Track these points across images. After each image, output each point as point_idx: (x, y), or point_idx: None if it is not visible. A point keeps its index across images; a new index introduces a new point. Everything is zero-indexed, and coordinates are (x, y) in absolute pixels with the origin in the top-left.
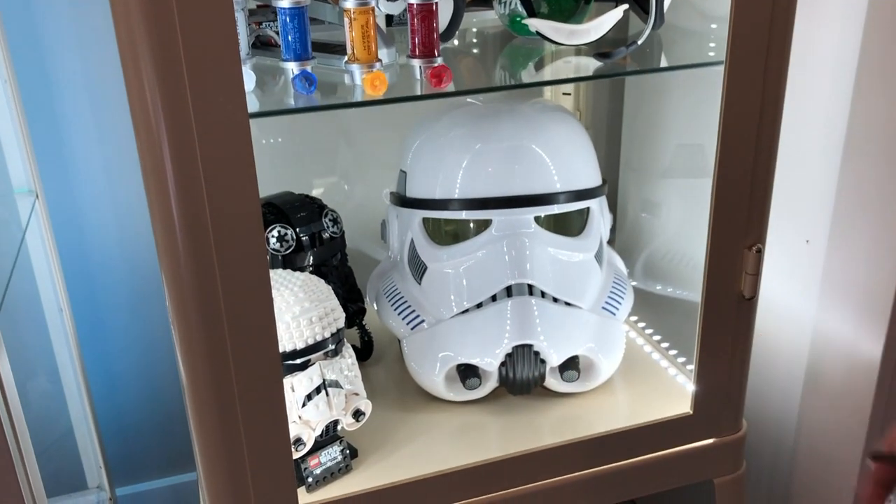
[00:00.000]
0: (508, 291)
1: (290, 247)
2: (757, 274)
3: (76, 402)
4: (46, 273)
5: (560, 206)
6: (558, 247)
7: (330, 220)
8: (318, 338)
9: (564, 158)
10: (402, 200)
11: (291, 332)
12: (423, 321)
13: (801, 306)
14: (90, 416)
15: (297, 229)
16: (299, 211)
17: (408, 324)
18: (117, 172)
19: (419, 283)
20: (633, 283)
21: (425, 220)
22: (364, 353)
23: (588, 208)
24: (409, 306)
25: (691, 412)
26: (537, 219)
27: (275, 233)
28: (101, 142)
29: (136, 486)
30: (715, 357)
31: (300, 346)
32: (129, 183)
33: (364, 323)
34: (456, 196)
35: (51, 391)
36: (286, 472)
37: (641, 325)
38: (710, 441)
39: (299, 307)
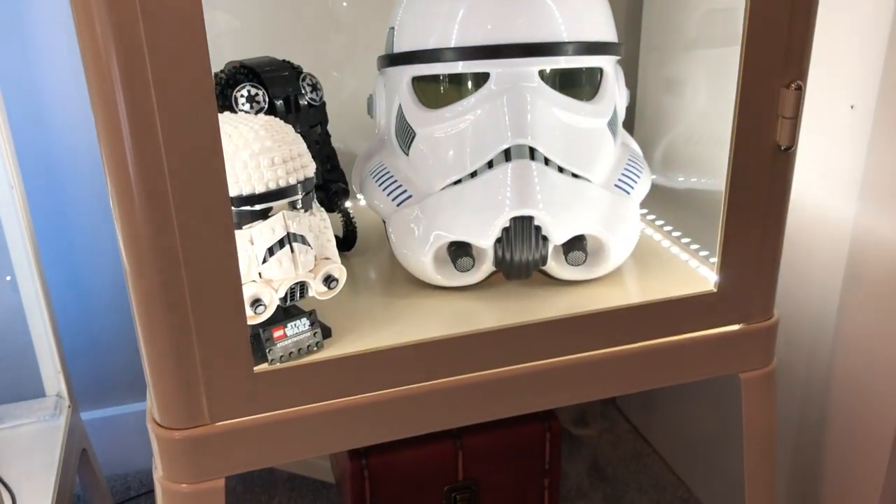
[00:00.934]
0: (507, 155)
1: (261, 108)
2: (796, 118)
3: (33, 304)
4: None
5: (568, 59)
6: (566, 108)
7: (308, 84)
8: (282, 183)
9: (574, 4)
10: (390, 59)
11: (249, 173)
12: (410, 196)
13: (843, 188)
14: (47, 320)
15: (270, 90)
16: (273, 72)
17: (393, 200)
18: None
19: (407, 154)
20: (652, 178)
21: (415, 81)
22: (347, 242)
23: (601, 70)
24: (396, 181)
25: (715, 290)
26: (542, 74)
27: (244, 92)
28: None
29: (105, 411)
30: (744, 226)
31: (259, 189)
32: None
33: (348, 208)
34: (451, 44)
35: (6, 293)
36: (239, 339)
37: (659, 222)
38: (737, 327)
39: (259, 145)
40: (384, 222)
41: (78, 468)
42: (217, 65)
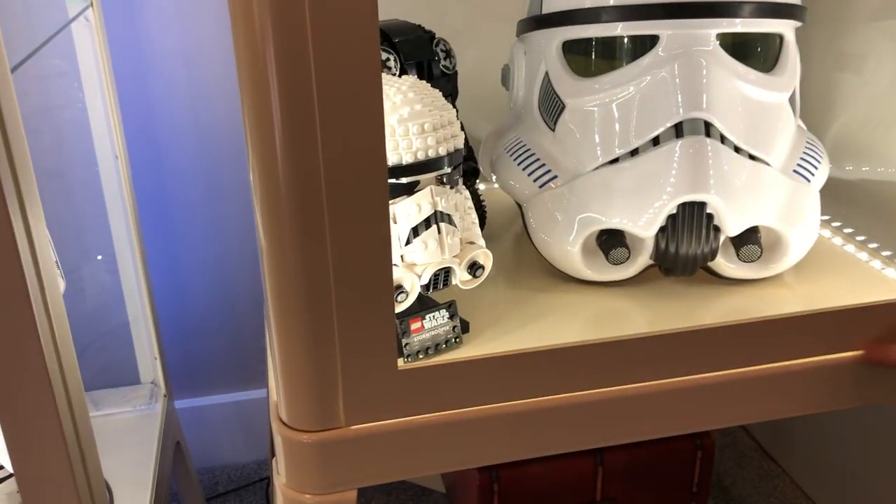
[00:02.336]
0: (677, 131)
1: (393, 75)
2: None
3: (132, 285)
4: (102, 118)
5: (746, 22)
6: (746, 79)
7: (442, 50)
8: (432, 153)
9: None
10: (536, 21)
11: (397, 140)
12: (555, 177)
13: None
14: (147, 303)
15: (402, 55)
16: (406, 36)
17: (535, 181)
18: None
19: (552, 130)
20: None
21: (566, 45)
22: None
23: (781, 37)
24: (538, 159)
25: None
26: (718, 38)
27: None
28: None
29: (193, 400)
30: None
31: (407, 159)
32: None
33: (477, 188)
34: (612, 3)
35: (105, 276)
36: (386, 331)
37: (825, 216)
38: None
39: (408, 108)
40: (519, 205)
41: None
42: None
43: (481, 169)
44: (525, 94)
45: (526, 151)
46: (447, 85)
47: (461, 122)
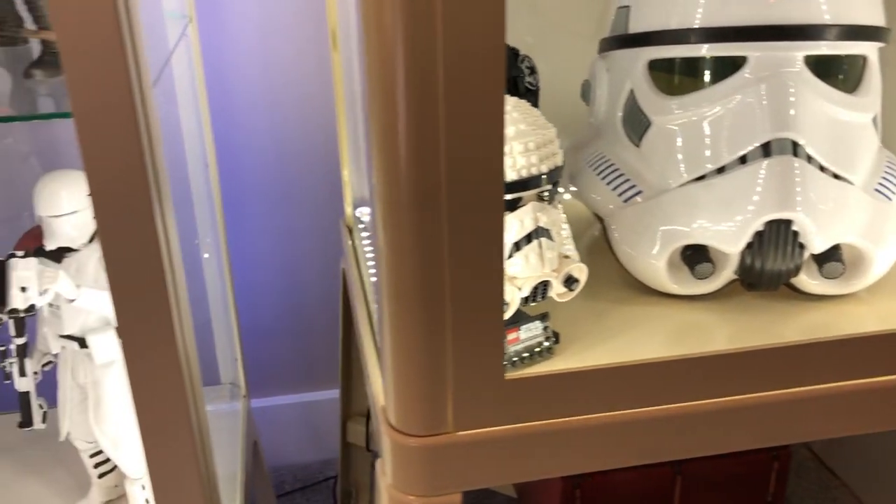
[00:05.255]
0: (765, 150)
1: None
2: None
3: (216, 286)
4: (195, 123)
5: (831, 45)
6: (831, 100)
7: (527, 67)
8: (534, 171)
9: None
10: (622, 41)
11: None
12: (640, 191)
13: None
14: (231, 304)
15: None
16: None
17: (619, 195)
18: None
19: (637, 146)
20: None
21: (652, 64)
22: None
23: (864, 58)
24: (622, 174)
25: None
26: (806, 60)
27: None
28: None
29: (264, 400)
30: None
31: (511, 177)
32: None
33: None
34: (700, 24)
35: (190, 278)
36: (496, 340)
37: None
38: None
39: (513, 128)
40: (600, 218)
41: None
42: None
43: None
44: (607, 109)
45: (610, 166)
46: (531, 101)
47: None
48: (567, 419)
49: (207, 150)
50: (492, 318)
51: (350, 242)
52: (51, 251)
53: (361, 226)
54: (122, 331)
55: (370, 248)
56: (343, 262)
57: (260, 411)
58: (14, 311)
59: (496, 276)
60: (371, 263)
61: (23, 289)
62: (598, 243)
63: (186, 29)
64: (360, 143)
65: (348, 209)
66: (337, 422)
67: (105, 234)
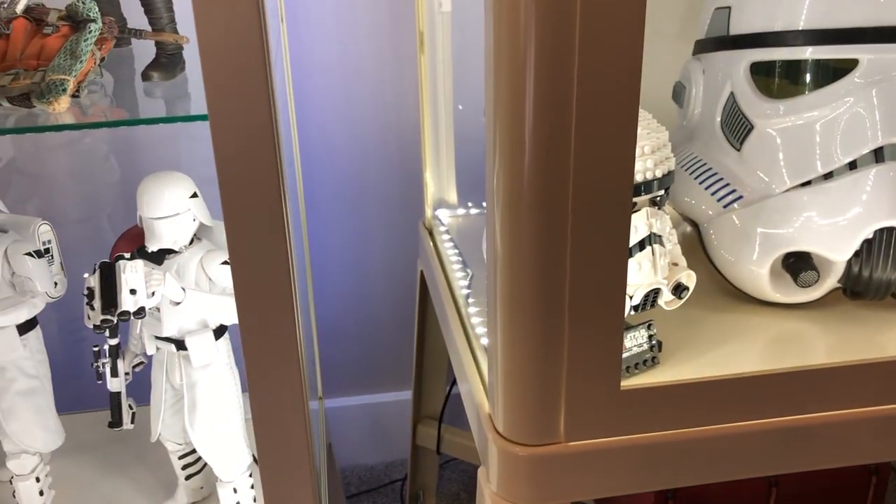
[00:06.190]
0: (877, 156)
1: None
2: None
3: (300, 292)
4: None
5: None
6: None
7: None
8: (649, 175)
9: None
10: (722, 42)
11: None
12: (740, 196)
13: None
14: (311, 311)
15: None
16: None
17: (718, 200)
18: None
19: (738, 150)
20: None
21: (755, 66)
22: None
23: None
24: (721, 178)
25: None
26: None
27: None
28: None
29: (334, 401)
30: None
31: None
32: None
33: None
34: (809, 26)
35: None
36: (614, 349)
37: None
38: None
39: None
40: (695, 224)
41: None
42: None
43: None
44: (704, 111)
45: (707, 170)
46: None
47: None
48: (678, 431)
49: (294, 150)
50: (610, 326)
51: (431, 244)
52: (153, 252)
53: (443, 227)
54: (244, 329)
55: (455, 252)
56: (420, 264)
57: (327, 412)
58: (124, 313)
59: (618, 283)
60: (458, 266)
61: (132, 291)
62: (687, 245)
63: (279, 31)
64: (448, 146)
65: (428, 211)
66: (402, 424)
67: (234, 238)
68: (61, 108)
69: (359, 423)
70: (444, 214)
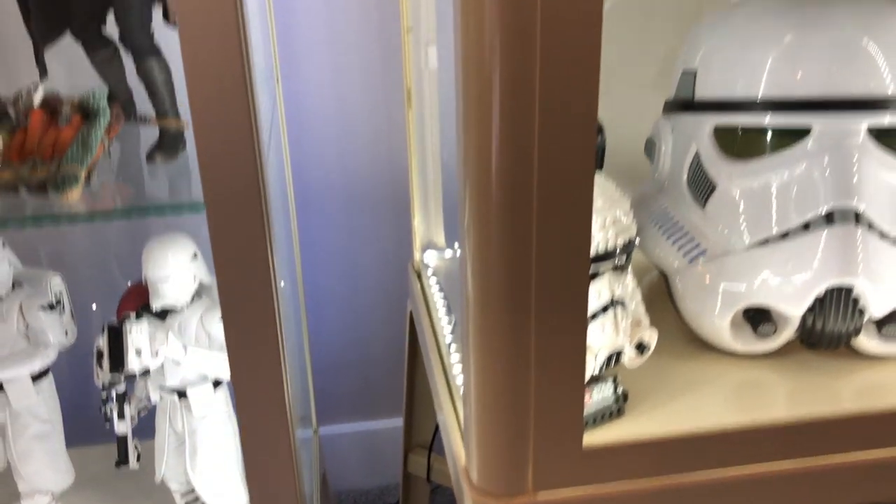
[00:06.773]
0: (827, 218)
1: None
2: None
3: (293, 325)
4: (278, 173)
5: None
6: (893, 169)
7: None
8: (610, 245)
9: None
10: (688, 105)
11: None
12: (704, 251)
13: None
14: (305, 340)
15: None
16: None
17: (684, 255)
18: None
19: (702, 208)
20: None
21: (717, 130)
22: None
23: None
24: (687, 233)
25: None
26: (868, 130)
27: None
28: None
29: (327, 428)
30: None
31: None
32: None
33: None
34: (767, 95)
35: None
36: (577, 403)
37: None
38: None
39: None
40: (664, 275)
41: None
42: None
43: None
44: (672, 168)
45: (675, 225)
46: (597, 160)
47: None
48: (641, 481)
49: (289, 197)
50: (572, 387)
51: (419, 286)
52: (157, 311)
53: (430, 270)
54: (234, 372)
55: (441, 296)
56: (410, 304)
57: (323, 438)
58: (130, 373)
59: (579, 349)
60: (443, 311)
61: (138, 352)
62: (656, 290)
63: (275, 93)
64: (436, 190)
65: (417, 254)
66: (396, 449)
67: (225, 294)
68: (74, 199)
69: (354, 449)
70: (432, 257)
